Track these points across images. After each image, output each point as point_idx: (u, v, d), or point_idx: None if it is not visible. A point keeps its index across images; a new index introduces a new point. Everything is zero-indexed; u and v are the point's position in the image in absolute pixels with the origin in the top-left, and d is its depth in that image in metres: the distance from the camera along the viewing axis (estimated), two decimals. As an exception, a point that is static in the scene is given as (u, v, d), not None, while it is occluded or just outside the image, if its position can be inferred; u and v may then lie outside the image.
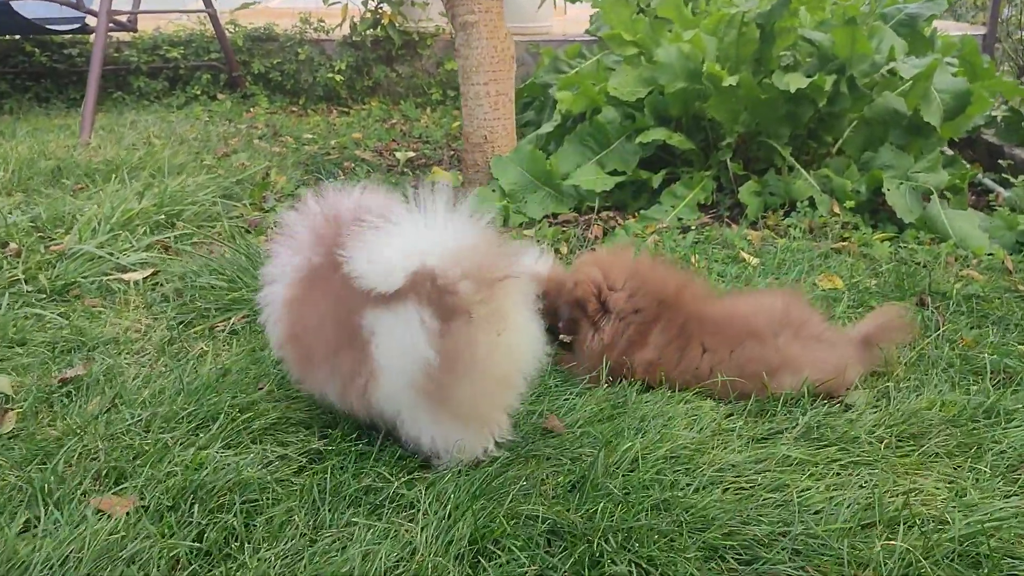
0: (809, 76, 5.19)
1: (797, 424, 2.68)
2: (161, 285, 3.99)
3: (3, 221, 4.55)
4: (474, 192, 5.41)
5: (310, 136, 7.61)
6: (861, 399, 2.90)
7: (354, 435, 2.62)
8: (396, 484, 2.36)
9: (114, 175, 5.60)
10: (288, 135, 7.61)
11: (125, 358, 3.27)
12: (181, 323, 3.62)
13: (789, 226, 4.83)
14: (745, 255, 4.32)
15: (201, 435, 2.59)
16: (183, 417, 2.70)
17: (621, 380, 2.97)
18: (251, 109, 9.10)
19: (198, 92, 9.30)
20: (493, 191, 5.43)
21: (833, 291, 3.81)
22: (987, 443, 2.62)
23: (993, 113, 5.91)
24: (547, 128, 6.29)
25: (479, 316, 2.21)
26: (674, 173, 5.72)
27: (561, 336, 3.15)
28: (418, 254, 2.17)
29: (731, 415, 2.80)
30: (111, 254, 4.22)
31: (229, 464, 2.44)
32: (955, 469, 2.51)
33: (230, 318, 3.59)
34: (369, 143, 7.51)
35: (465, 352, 2.22)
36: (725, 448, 2.57)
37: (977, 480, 2.45)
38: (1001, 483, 2.43)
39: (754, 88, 5.16)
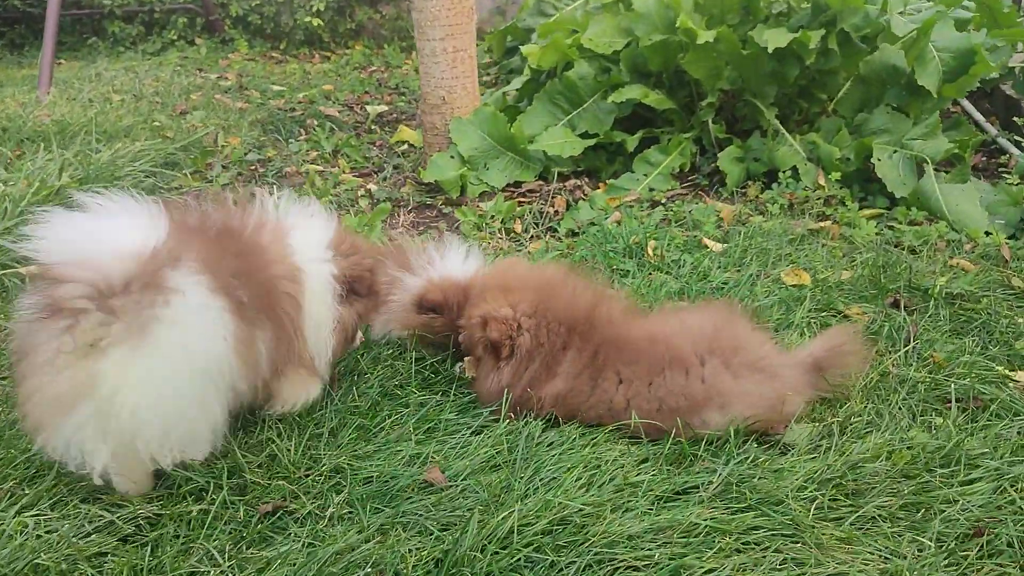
0: (801, 28, 4.64)
1: (715, 478, 2.30)
2: (61, 279, 3.64)
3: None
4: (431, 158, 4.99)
5: (278, 88, 7.17)
6: (803, 436, 2.51)
7: (200, 491, 2.29)
8: (224, 566, 2.02)
9: (54, 140, 5.24)
10: (255, 88, 7.18)
11: (-5, 374, 2.96)
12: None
13: (768, 200, 4.36)
14: (708, 241, 3.88)
15: (28, 490, 2.28)
16: (20, 462, 2.38)
17: (527, 414, 2.59)
18: (228, 56, 8.66)
19: (175, 37, 8.88)
20: (451, 157, 5.00)
21: (797, 289, 3.38)
22: (938, 504, 2.22)
23: (1011, 65, 5.31)
24: (515, 85, 5.81)
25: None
26: (653, 134, 5.23)
27: (462, 369, 2.79)
28: None
29: (644, 462, 2.42)
30: (16, 241, 3.87)
31: (41, 534, 2.12)
32: (894, 540, 2.12)
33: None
34: (340, 96, 7.07)
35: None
36: (625, 512, 2.20)
37: (918, 555, 2.07)
38: (945, 561, 2.04)
39: (735, 43, 4.63)
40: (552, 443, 2.48)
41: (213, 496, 2.27)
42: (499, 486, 2.29)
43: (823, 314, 3.22)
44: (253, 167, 5.35)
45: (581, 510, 2.17)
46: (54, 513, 2.20)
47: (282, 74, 7.87)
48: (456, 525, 2.18)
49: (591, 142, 5.06)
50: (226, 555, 2.07)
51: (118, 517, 2.18)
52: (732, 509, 2.21)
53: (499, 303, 2.64)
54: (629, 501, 2.23)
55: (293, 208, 2.62)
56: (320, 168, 5.34)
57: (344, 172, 5.28)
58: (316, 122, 6.22)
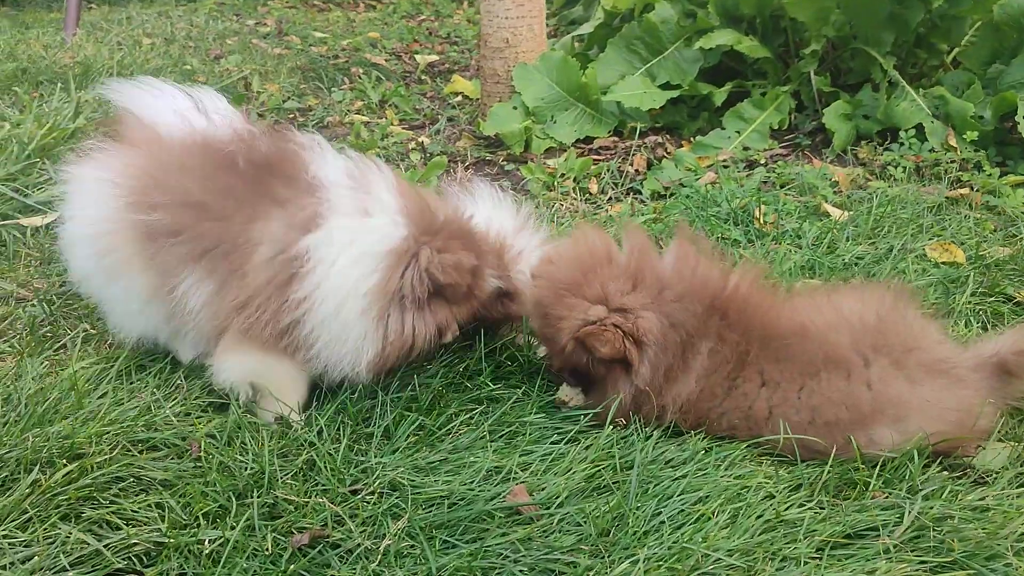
0: (926, -38, 3.97)
1: (902, 517, 1.71)
2: (67, 233, 3.12)
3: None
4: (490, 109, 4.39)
5: (320, 35, 6.59)
6: (1000, 459, 1.91)
7: (217, 511, 1.75)
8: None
9: (72, 82, 4.71)
10: (295, 35, 6.60)
11: (-23, 344, 2.44)
12: (74, 291, 2.77)
13: (888, 163, 3.71)
14: (829, 207, 3.25)
15: (-4, 501, 1.75)
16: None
17: (638, 420, 2.01)
18: (267, 3, 8.10)
19: (211, -17, 8.32)
20: (514, 108, 4.39)
21: (952, 267, 2.75)
22: None
23: None
24: (587, 28, 5.17)
25: None
26: (743, 88, 4.58)
27: (561, 402, 2.18)
28: None
29: (797, 488, 1.84)
30: (19, 189, 3.36)
31: (4, 565, 1.59)
32: None
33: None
34: (388, 44, 6.48)
35: None
36: (783, 562, 1.62)
37: None
38: None
39: (851, -20, 3.97)
40: (673, 461, 1.90)
41: (235, 520, 1.72)
42: (609, 517, 1.72)
43: (989, 300, 2.59)
44: (292, 116, 4.79)
45: (728, 559, 1.59)
46: (24, 535, 1.67)
47: (324, 22, 7.29)
48: (555, 574, 1.61)
49: (673, 94, 4.43)
50: (246, 610, 1.53)
51: (107, 545, 1.64)
52: (930, 565, 1.62)
53: (616, 312, 2.03)
54: (787, 547, 1.65)
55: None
56: (366, 119, 4.78)
57: (392, 124, 4.71)
58: (361, 71, 5.64)
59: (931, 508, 1.72)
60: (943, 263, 2.79)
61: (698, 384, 1.98)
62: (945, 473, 1.86)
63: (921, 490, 1.79)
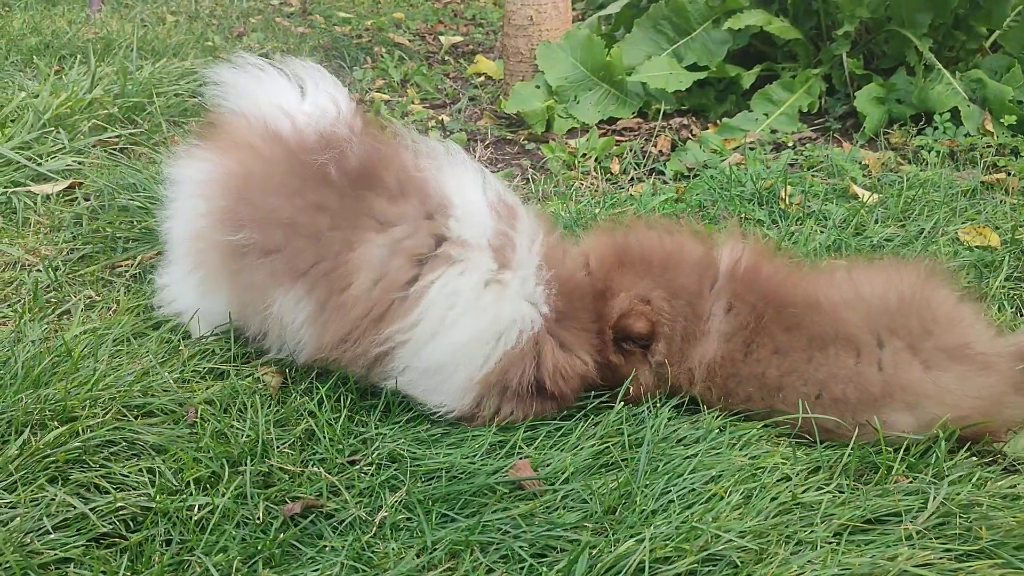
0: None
1: (927, 502, 1.61)
2: (78, 201, 3.09)
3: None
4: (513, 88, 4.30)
5: (345, 15, 6.53)
6: (1031, 448, 1.80)
7: (209, 478, 1.69)
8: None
9: (92, 55, 4.69)
10: (319, 14, 6.55)
11: (-19, 308, 2.40)
12: (81, 257, 2.73)
13: (921, 147, 3.59)
14: (857, 189, 3.13)
15: (-17, 461, 1.70)
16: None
17: (661, 394, 1.94)
18: (293, -17, 8.04)
19: (238, -37, 8.28)
20: (537, 87, 4.30)
21: (986, 251, 2.64)
22: None
23: None
24: (614, 8, 5.06)
25: None
26: (772, 70, 4.46)
27: None
28: None
29: (816, 471, 1.74)
30: (32, 158, 3.32)
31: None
32: None
33: (138, 256, 2.67)
34: (412, 25, 6.40)
35: None
36: (798, 545, 1.53)
37: None
38: None
39: (887, -43, 3.84)
40: (685, 439, 1.81)
41: (226, 487, 1.66)
42: (616, 495, 1.64)
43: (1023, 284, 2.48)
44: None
45: (740, 541, 1.50)
46: (10, 496, 1.62)
47: (350, 2, 7.23)
48: (557, 551, 1.53)
49: (700, 76, 4.32)
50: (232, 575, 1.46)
51: (93, 509, 1.59)
52: (956, 553, 1.52)
53: (635, 292, 1.96)
54: (803, 530, 1.56)
55: None
56: (387, 97, 4.70)
57: (414, 102, 4.64)
58: (384, 50, 5.57)
59: (958, 494, 1.62)
60: (977, 247, 2.67)
61: (720, 347, 1.90)
62: (974, 459, 1.76)
63: (947, 476, 1.69)
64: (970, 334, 1.89)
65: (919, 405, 1.81)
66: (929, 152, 3.52)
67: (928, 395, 1.81)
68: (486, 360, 1.80)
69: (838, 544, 1.54)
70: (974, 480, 1.67)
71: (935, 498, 1.61)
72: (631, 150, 3.73)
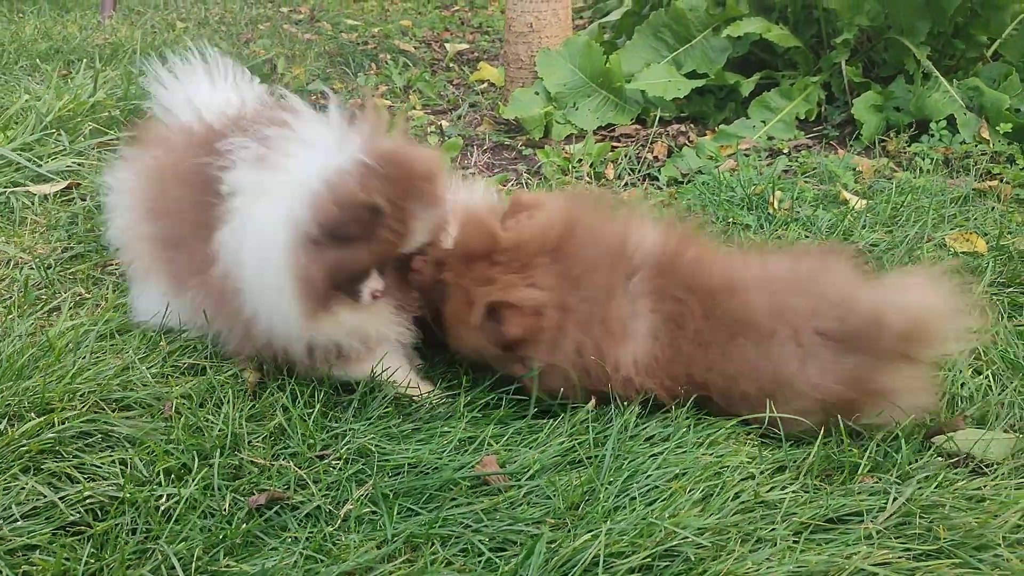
0: (965, -50, 3.83)
1: (887, 502, 1.61)
2: (75, 202, 3.13)
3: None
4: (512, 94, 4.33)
5: (352, 23, 6.59)
6: (1002, 450, 1.80)
7: (179, 470, 1.71)
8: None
9: (99, 59, 4.76)
10: (327, 21, 6.61)
11: (-28, 304, 2.45)
12: (74, 256, 2.77)
13: (916, 154, 3.58)
14: (847, 194, 3.14)
15: (-40, 450, 1.73)
16: (-39, 412, 1.84)
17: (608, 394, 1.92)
18: (304, -9, 8.12)
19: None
20: (536, 93, 4.33)
21: (971, 257, 2.63)
22: None
23: None
24: (614, 16, 5.09)
25: None
26: (772, 78, 4.47)
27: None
28: None
29: (781, 470, 1.75)
30: (32, 159, 3.37)
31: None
32: None
33: (128, 254, 2.71)
34: (419, 32, 6.45)
35: None
36: (757, 543, 1.53)
37: None
38: None
39: (885, -34, 3.84)
40: (654, 438, 1.82)
41: (194, 477, 1.68)
42: (579, 492, 1.65)
43: (1008, 290, 2.47)
44: (315, 97, 4.78)
45: (696, 538, 1.51)
46: (-17, 484, 1.65)
47: (359, 10, 7.29)
48: (516, 545, 1.55)
49: (699, 83, 4.33)
50: (192, 565, 1.48)
51: (62, 498, 1.61)
52: (914, 552, 1.52)
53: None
54: (763, 528, 1.57)
55: None
56: (389, 103, 4.74)
57: (415, 108, 4.67)
58: (389, 57, 5.62)
59: (921, 494, 1.62)
60: (963, 252, 2.66)
61: (658, 342, 1.88)
62: (940, 460, 1.76)
63: (913, 476, 1.69)
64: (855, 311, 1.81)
65: (793, 398, 1.80)
66: (924, 159, 3.51)
67: (796, 384, 1.80)
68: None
69: (797, 542, 1.54)
70: (939, 481, 1.67)
71: (896, 498, 1.61)
72: (626, 156, 3.75)
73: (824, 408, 1.78)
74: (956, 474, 1.73)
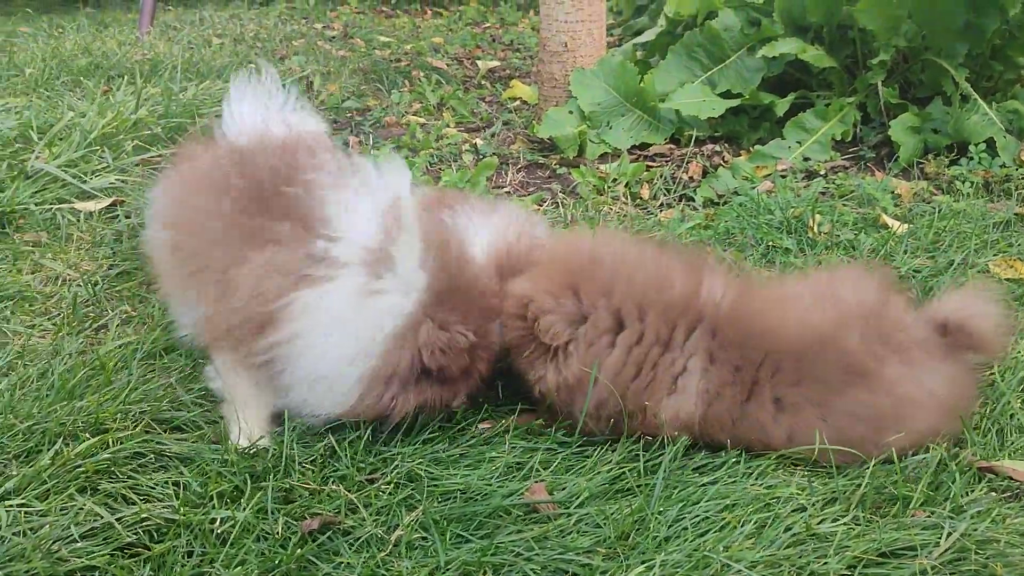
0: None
1: (941, 537, 1.60)
2: (119, 219, 3.18)
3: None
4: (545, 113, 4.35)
5: (385, 40, 6.65)
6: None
7: (232, 492, 1.73)
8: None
9: (139, 76, 4.83)
10: (360, 38, 6.68)
11: (22, 320, 2.49)
12: (119, 273, 2.82)
13: (955, 178, 3.56)
14: (887, 219, 3.12)
15: (16, 471, 1.75)
16: (19, 431, 1.87)
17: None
18: (337, 8, 8.21)
19: (283, -12, 8.48)
20: (570, 112, 4.35)
21: (1016, 284, 2.61)
22: None
23: None
24: (648, 36, 5.11)
25: None
26: (807, 98, 4.46)
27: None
28: None
29: (832, 502, 1.74)
30: (78, 176, 3.43)
31: (20, 530, 1.59)
32: None
33: (173, 272, 2.74)
34: (451, 49, 6.50)
35: None
36: (811, 576, 1.53)
37: None
38: None
39: (923, -13, 3.83)
40: (702, 467, 1.82)
41: (248, 502, 1.70)
42: (630, 520, 1.65)
43: (1055, 317, 2.45)
44: (350, 115, 4.82)
45: (750, 571, 1.51)
46: (41, 504, 1.67)
47: (391, 27, 7.36)
48: (568, 575, 1.55)
49: (733, 103, 4.33)
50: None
51: (119, 519, 1.64)
52: (971, 589, 1.51)
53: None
54: (816, 562, 1.56)
55: None
56: (423, 120, 4.78)
57: (449, 125, 4.71)
58: (422, 74, 5.66)
59: (975, 529, 1.61)
60: (1007, 279, 2.65)
61: (702, 405, 1.85)
62: (994, 494, 1.75)
63: (966, 510, 1.68)
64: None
65: (907, 419, 1.83)
66: (963, 183, 3.49)
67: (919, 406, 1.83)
68: (366, 358, 1.84)
69: (851, 576, 1.54)
70: (992, 516, 1.66)
71: (950, 533, 1.60)
72: (661, 176, 3.75)
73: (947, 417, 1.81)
74: (1010, 508, 1.71)
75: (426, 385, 1.91)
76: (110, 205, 3.28)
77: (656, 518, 1.65)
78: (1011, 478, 1.81)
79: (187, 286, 2.09)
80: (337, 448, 1.88)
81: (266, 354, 1.89)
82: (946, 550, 1.57)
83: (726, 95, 4.40)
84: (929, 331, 1.88)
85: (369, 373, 1.85)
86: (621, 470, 1.81)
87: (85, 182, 3.41)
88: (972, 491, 1.75)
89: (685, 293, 1.90)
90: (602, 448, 1.90)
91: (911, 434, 1.81)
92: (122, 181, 3.47)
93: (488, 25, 7.51)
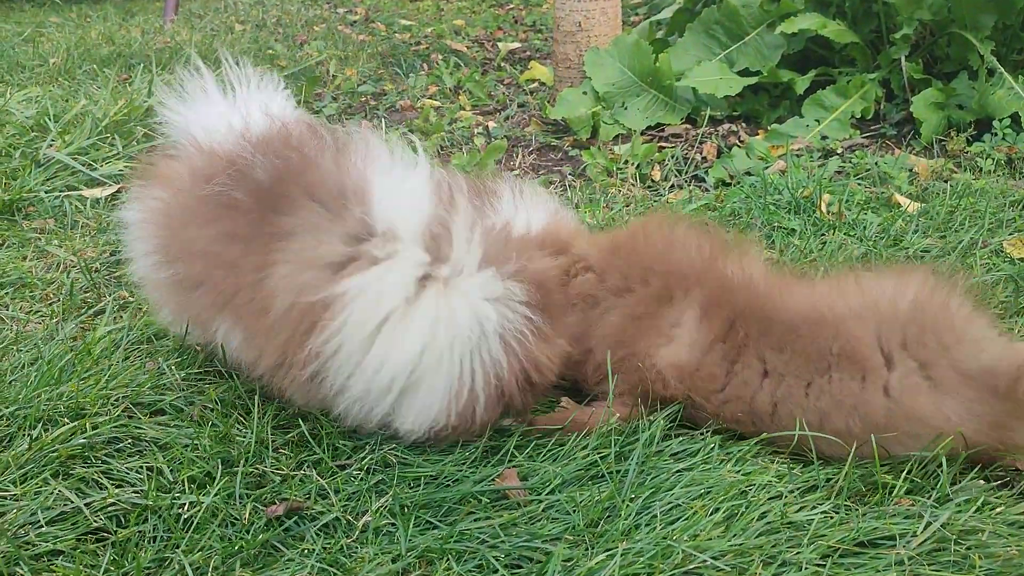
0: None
1: (920, 526, 1.54)
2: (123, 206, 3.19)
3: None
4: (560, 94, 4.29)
5: (406, 23, 6.62)
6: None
7: (203, 477, 1.73)
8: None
9: (155, 62, 4.87)
10: (381, 22, 6.65)
11: (21, 306, 2.52)
12: (120, 260, 2.83)
13: (977, 155, 3.44)
14: (900, 197, 3.03)
15: (-6, 455, 1.77)
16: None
17: (641, 397, 1.88)
18: (361, -8, 8.20)
19: (309, -28, 8.48)
20: (584, 93, 4.28)
21: (1028, 264, 2.52)
22: None
23: None
24: (666, 14, 5.01)
25: None
26: (828, 75, 4.34)
27: None
28: None
29: (812, 491, 1.69)
30: (88, 163, 3.46)
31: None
32: None
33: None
34: (472, 31, 6.45)
35: None
36: (782, 567, 1.48)
37: None
38: None
39: (947, -43, 3.70)
40: (680, 453, 1.77)
41: (217, 487, 1.70)
42: (600, 508, 1.62)
43: (1069, 300, 2.35)
44: (364, 99, 4.81)
45: (716, 561, 1.46)
46: (15, 489, 1.69)
47: (414, 10, 7.32)
48: (532, 562, 1.52)
49: (751, 81, 4.23)
50: (208, 575, 1.49)
51: (88, 504, 1.64)
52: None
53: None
54: (789, 551, 1.51)
55: None
56: (438, 103, 4.75)
57: (463, 108, 4.67)
58: (441, 57, 5.63)
59: (958, 519, 1.55)
60: (1021, 259, 2.55)
61: (691, 355, 1.85)
62: (982, 483, 1.68)
63: (952, 500, 1.61)
64: (984, 349, 1.78)
65: (924, 435, 1.71)
66: (985, 159, 3.37)
67: (933, 424, 1.70)
68: (452, 367, 1.70)
69: (824, 566, 1.49)
70: (979, 505, 1.59)
71: (930, 523, 1.54)
72: (673, 157, 3.68)
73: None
74: (999, 498, 1.65)
75: (526, 393, 1.81)
76: (116, 192, 3.30)
77: (626, 505, 1.62)
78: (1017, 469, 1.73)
79: (213, 320, 1.89)
80: (308, 436, 1.86)
81: (315, 362, 1.71)
82: (924, 540, 1.51)
83: (744, 73, 4.29)
84: (988, 365, 1.74)
85: (456, 389, 1.72)
86: (598, 455, 1.77)
87: (95, 169, 3.45)
88: (961, 480, 1.68)
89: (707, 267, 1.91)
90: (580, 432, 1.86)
91: (908, 448, 1.72)
92: (131, 168, 3.49)
93: (512, 6, 7.44)
